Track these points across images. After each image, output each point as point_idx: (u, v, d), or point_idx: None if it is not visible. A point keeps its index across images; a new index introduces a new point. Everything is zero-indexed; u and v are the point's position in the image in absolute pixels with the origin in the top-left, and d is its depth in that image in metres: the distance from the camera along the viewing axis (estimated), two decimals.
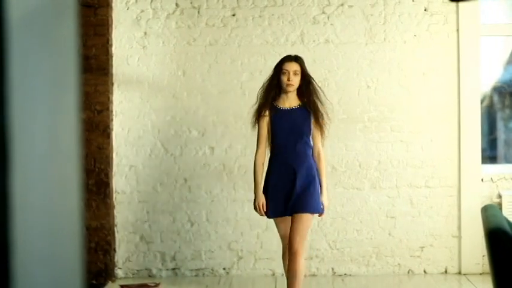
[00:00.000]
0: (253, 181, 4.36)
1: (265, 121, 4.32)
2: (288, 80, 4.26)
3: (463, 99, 5.45)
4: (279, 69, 4.32)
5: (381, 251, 5.53)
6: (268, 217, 4.34)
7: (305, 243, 4.25)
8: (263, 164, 4.32)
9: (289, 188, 4.22)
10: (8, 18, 1.11)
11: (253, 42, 5.51)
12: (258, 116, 4.34)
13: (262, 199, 4.28)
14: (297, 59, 4.34)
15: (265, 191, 4.31)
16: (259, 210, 4.30)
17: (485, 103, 5.79)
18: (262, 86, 4.41)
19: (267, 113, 4.31)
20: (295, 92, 4.32)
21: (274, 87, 4.32)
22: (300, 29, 5.52)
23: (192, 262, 5.55)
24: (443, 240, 5.51)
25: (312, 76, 4.40)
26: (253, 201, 4.35)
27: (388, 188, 5.52)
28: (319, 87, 4.39)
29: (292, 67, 4.29)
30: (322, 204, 4.28)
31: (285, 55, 4.44)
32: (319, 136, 4.34)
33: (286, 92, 4.30)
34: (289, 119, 4.28)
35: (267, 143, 4.35)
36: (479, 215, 3.39)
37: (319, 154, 4.35)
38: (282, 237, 4.39)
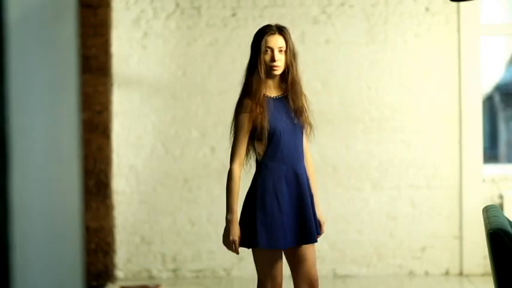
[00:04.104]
0: (226, 203, 3.23)
1: (251, 118, 3.12)
2: (273, 60, 3.14)
3: (464, 99, 5.44)
4: (259, 46, 3.17)
5: (381, 252, 5.52)
6: (278, 247, 3.26)
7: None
8: (240, 177, 3.22)
9: (299, 208, 3.16)
10: (7, 18, 1.10)
11: None
12: (242, 110, 3.13)
13: (237, 231, 3.19)
14: (281, 30, 3.19)
15: (253, 216, 3.20)
16: (234, 246, 3.20)
17: (487, 103, 5.79)
18: (247, 73, 3.27)
19: (256, 106, 3.11)
20: (279, 76, 3.20)
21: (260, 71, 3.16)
22: (300, 29, 5.51)
23: (192, 263, 5.54)
24: (445, 241, 5.50)
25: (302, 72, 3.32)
26: (223, 231, 3.20)
27: (389, 188, 5.50)
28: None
29: (277, 42, 3.16)
30: (320, 225, 3.31)
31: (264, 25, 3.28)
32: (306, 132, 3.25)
33: (271, 77, 3.18)
34: (283, 110, 3.17)
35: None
36: (480, 215, 3.38)
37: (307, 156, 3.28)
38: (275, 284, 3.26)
